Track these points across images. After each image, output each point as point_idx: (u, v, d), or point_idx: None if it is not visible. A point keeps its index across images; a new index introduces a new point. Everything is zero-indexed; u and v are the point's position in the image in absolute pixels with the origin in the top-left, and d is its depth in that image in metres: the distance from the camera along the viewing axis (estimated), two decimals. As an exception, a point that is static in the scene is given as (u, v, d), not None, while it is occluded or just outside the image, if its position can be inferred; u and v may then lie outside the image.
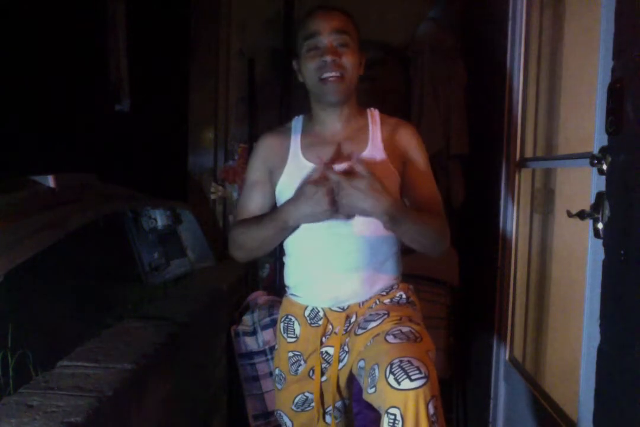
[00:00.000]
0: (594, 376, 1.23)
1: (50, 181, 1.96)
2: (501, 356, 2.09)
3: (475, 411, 2.43)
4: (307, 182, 1.24)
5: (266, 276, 2.81)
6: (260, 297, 2.32)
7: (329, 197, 1.20)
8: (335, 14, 1.36)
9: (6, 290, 1.49)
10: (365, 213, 1.21)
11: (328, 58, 1.30)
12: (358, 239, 1.35)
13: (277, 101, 2.80)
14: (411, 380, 1.04)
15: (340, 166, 1.29)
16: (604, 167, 1.18)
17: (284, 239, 1.39)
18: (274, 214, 1.33)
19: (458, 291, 2.49)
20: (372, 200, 1.18)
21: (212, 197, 2.88)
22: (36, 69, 3.24)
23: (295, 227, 1.32)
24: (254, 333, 2.11)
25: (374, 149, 1.37)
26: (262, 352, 2.10)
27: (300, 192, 1.24)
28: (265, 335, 2.09)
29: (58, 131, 3.17)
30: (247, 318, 2.16)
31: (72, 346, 1.41)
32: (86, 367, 1.27)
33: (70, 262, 2.20)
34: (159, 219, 2.49)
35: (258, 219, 1.37)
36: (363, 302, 1.38)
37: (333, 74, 1.31)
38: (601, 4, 1.25)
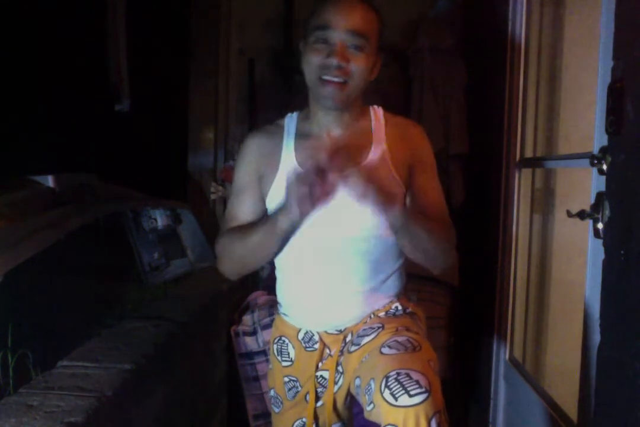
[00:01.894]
0: (594, 376, 1.23)
1: (50, 181, 1.97)
2: (501, 356, 2.09)
3: (475, 411, 2.43)
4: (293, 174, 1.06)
5: (266, 276, 2.80)
6: (260, 297, 2.31)
7: (302, 199, 1.01)
8: (358, 8, 1.15)
9: (6, 290, 1.49)
10: (379, 199, 1.03)
11: (334, 61, 1.12)
12: (357, 257, 1.20)
13: (277, 101, 2.80)
14: (410, 396, 0.93)
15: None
16: (604, 167, 1.18)
17: (277, 249, 1.22)
18: (268, 217, 1.18)
19: (458, 291, 2.49)
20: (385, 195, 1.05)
21: (212, 197, 2.88)
22: (36, 69, 3.24)
23: (289, 231, 1.13)
24: (254, 333, 2.10)
25: (376, 155, 1.21)
26: (262, 352, 2.09)
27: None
28: (265, 335, 2.09)
29: (58, 131, 3.17)
30: (247, 318, 2.16)
31: (72, 346, 1.41)
32: (86, 367, 1.27)
33: (70, 262, 2.19)
34: (159, 219, 2.49)
35: (249, 224, 1.23)
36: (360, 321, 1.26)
37: (335, 79, 1.14)
38: (601, 4, 1.25)
